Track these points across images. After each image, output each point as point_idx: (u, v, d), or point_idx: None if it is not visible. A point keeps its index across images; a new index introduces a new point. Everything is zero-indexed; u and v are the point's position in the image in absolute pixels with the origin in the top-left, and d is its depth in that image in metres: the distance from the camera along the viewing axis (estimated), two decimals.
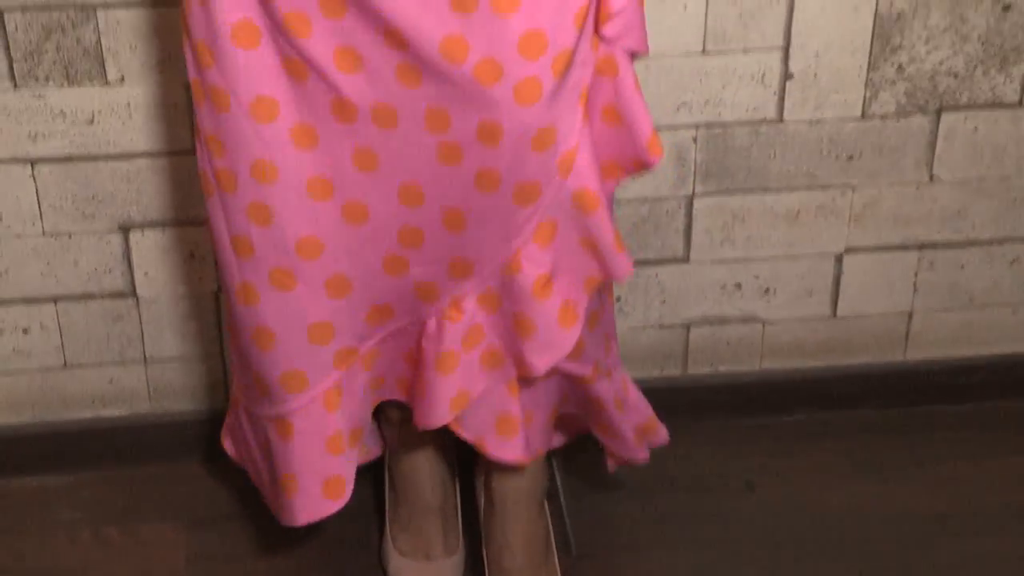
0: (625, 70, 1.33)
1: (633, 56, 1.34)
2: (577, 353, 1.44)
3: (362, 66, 1.26)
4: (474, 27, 1.22)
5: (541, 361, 1.40)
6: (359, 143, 1.30)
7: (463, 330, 1.40)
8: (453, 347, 1.40)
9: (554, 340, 1.39)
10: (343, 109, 1.28)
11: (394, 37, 1.23)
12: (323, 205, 1.34)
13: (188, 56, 1.31)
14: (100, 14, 1.57)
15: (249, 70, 1.28)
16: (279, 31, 1.26)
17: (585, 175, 1.33)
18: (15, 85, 1.60)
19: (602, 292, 1.49)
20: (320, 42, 1.25)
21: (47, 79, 1.60)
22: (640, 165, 1.37)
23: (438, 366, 1.41)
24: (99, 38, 1.59)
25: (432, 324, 1.41)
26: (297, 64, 1.27)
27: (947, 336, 1.91)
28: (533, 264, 1.35)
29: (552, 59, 1.25)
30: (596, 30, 1.30)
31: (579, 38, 1.27)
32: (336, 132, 1.30)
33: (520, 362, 1.41)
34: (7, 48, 1.58)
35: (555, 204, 1.33)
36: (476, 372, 1.42)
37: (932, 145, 1.77)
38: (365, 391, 1.48)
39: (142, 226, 1.70)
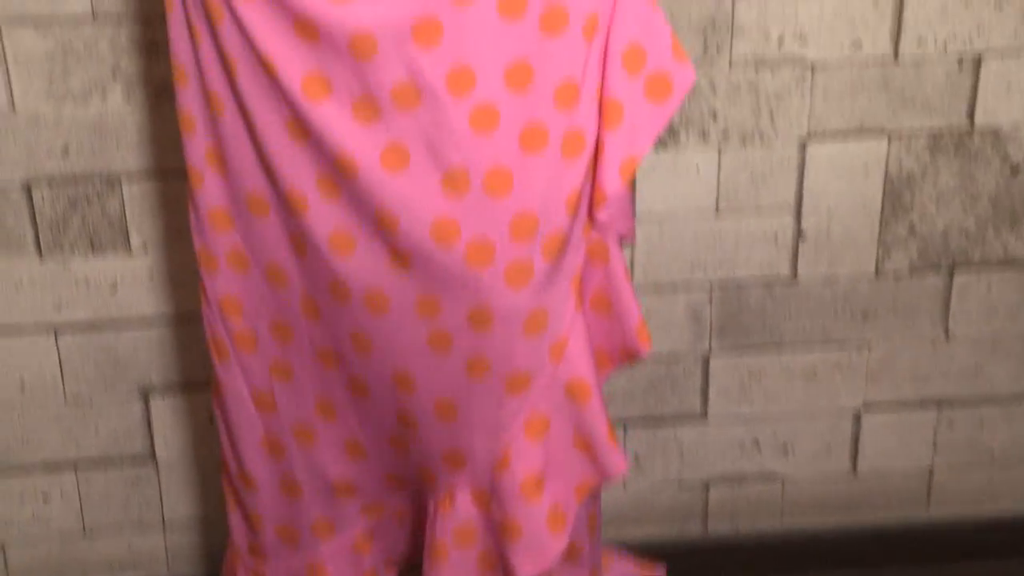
0: (616, 257, 1.32)
1: (620, 241, 1.34)
2: (574, 556, 1.41)
3: (356, 248, 1.25)
4: (466, 209, 1.21)
5: (526, 569, 1.33)
6: (354, 326, 1.29)
7: (454, 524, 1.36)
8: (444, 539, 1.36)
9: (542, 546, 1.33)
10: (338, 290, 1.27)
11: (385, 222, 1.22)
12: (333, 373, 1.34)
13: (194, 223, 1.32)
14: (125, 186, 1.61)
15: (263, 238, 1.30)
16: (283, 205, 1.27)
17: (577, 363, 1.30)
18: (40, 255, 1.63)
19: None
20: (317, 220, 1.25)
21: (72, 249, 1.63)
22: (629, 355, 1.35)
23: (430, 554, 1.38)
24: (123, 209, 1.62)
25: (431, 506, 1.38)
26: (299, 240, 1.28)
27: (969, 493, 1.90)
28: (523, 462, 1.32)
29: (543, 242, 1.24)
30: (589, 215, 1.29)
31: (572, 222, 1.26)
32: (335, 311, 1.29)
33: (506, 567, 1.35)
34: (33, 219, 1.61)
35: (547, 395, 1.31)
36: (472, 572, 1.37)
37: (946, 302, 1.78)
38: (400, 527, 1.46)
39: (162, 390, 1.71)
